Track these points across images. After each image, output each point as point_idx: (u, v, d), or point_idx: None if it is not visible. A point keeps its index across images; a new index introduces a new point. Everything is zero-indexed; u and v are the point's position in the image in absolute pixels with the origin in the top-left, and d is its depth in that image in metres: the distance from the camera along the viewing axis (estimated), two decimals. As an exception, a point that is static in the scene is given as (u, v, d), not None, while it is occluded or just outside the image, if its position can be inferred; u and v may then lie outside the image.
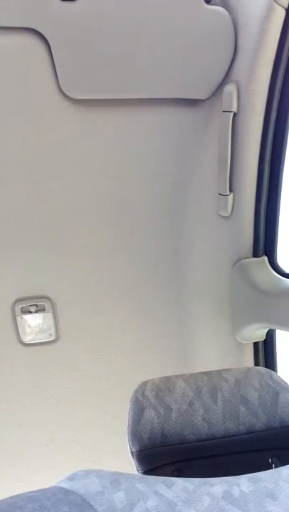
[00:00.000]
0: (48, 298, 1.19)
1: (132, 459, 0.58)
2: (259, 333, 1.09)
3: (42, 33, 0.85)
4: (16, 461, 1.34)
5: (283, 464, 0.53)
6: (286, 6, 0.81)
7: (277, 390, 0.59)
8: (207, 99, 0.99)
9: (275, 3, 0.80)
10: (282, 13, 0.81)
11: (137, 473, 0.57)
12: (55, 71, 0.90)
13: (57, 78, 0.91)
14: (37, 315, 1.19)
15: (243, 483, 0.41)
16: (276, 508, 0.37)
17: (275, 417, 0.57)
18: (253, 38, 0.85)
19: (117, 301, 1.24)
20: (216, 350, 1.21)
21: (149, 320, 1.28)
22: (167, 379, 0.62)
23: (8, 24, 0.84)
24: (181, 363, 1.34)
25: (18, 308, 1.17)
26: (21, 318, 1.18)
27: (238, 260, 1.05)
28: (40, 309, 1.19)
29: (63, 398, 1.30)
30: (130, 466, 0.58)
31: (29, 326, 1.20)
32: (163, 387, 0.60)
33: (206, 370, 0.64)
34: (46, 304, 1.19)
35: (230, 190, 0.99)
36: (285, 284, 0.99)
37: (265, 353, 1.14)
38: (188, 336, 1.31)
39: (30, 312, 1.18)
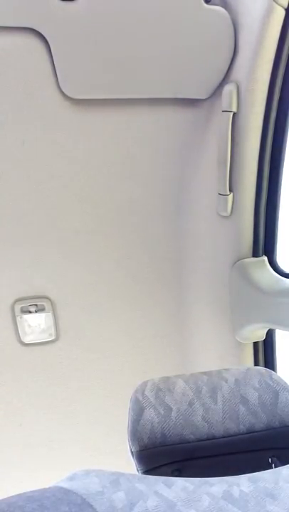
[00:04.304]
0: (48, 298, 1.19)
1: (132, 458, 0.58)
2: (259, 333, 1.09)
3: (42, 33, 0.85)
4: (16, 461, 1.34)
5: (283, 464, 0.53)
6: (286, 6, 0.81)
7: (277, 390, 0.59)
8: (207, 98, 0.99)
9: (274, 3, 0.80)
10: (282, 13, 0.81)
11: (137, 473, 0.57)
12: (55, 71, 0.90)
13: (57, 78, 0.91)
14: (37, 315, 1.19)
15: (242, 483, 0.41)
16: (276, 508, 0.37)
17: (275, 417, 0.57)
18: (253, 37, 0.85)
19: (117, 301, 1.24)
20: (216, 350, 1.21)
21: (149, 320, 1.28)
22: (167, 379, 0.62)
23: (8, 24, 0.84)
24: (181, 363, 1.34)
25: (18, 308, 1.17)
26: (21, 318, 1.18)
27: (238, 260, 1.05)
28: (40, 309, 1.19)
29: (63, 398, 1.30)
30: (130, 466, 0.58)
31: (29, 326, 1.20)
32: (163, 387, 0.60)
33: (206, 370, 0.64)
34: (46, 304, 1.19)
35: (230, 190, 0.99)
36: (285, 284, 0.99)
37: (264, 352, 1.14)
38: (188, 336, 1.31)
39: (30, 312, 1.18)
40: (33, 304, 1.18)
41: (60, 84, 0.91)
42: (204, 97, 0.99)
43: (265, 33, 0.83)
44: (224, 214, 1.03)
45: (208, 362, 1.26)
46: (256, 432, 0.57)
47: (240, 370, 0.63)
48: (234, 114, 0.93)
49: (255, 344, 1.12)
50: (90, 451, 1.37)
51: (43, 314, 1.19)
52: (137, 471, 0.57)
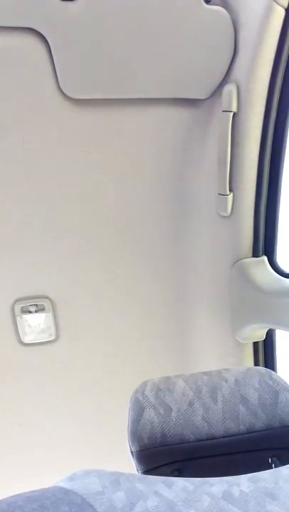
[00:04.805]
0: (48, 298, 1.19)
1: (132, 458, 0.58)
2: (259, 333, 1.09)
3: (42, 33, 0.85)
4: (16, 461, 1.34)
5: (283, 464, 0.53)
6: (286, 5, 0.81)
7: (277, 390, 0.59)
8: (207, 98, 0.99)
9: (274, 3, 0.80)
10: (282, 12, 0.81)
11: (137, 473, 0.57)
12: (55, 71, 0.90)
13: (57, 78, 0.91)
14: (37, 315, 1.19)
15: (242, 483, 0.41)
16: (276, 508, 0.37)
17: (275, 417, 0.57)
18: (253, 37, 0.85)
19: (117, 301, 1.24)
20: (216, 350, 1.21)
21: (149, 320, 1.28)
22: (167, 379, 0.62)
23: (8, 24, 0.84)
24: (181, 363, 1.34)
25: (18, 308, 1.17)
26: (21, 318, 1.18)
27: (238, 260, 1.05)
28: (40, 309, 1.19)
29: (63, 398, 1.30)
30: (130, 466, 0.58)
31: (29, 326, 1.20)
32: (163, 387, 0.60)
33: (206, 370, 0.64)
34: (46, 304, 1.19)
35: (230, 190, 0.99)
36: (285, 284, 0.99)
37: (264, 352, 1.14)
38: (188, 336, 1.31)
39: (30, 312, 1.18)
40: (33, 303, 1.18)
41: (60, 84, 0.91)
42: (204, 97, 0.99)
43: (265, 33, 0.83)
44: (224, 214, 1.03)
45: (208, 362, 1.26)
46: (256, 431, 0.57)
47: (240, 370, 0.63)
48: (234, 114, 0.93)
49: (255, 344, 1.12)
50: (90, 451, 1.37)
51: (43, 314, 1.19)
52: (137, 471, 0.57)
